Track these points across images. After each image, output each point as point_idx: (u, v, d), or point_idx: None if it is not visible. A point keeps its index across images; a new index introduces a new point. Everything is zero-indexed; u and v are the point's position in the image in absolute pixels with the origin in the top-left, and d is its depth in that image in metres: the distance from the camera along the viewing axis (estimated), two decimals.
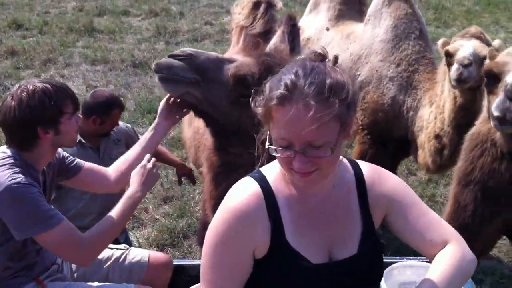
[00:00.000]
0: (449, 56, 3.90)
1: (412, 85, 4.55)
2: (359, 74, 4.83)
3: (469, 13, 11.82)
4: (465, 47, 3.83)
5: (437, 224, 2.02)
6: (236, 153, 2.97)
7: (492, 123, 2.99)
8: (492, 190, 3.21)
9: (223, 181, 3.03)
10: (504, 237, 4.22)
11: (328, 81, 1.68)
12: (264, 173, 1.96)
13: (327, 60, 1.80)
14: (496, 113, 2.89)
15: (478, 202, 3.24)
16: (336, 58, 1.84)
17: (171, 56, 2.94)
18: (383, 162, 4.85)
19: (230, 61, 2.95)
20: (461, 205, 3.31)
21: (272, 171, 1.94)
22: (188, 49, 2.96)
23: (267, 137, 1.79)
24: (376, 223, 2.01)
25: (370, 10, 4.96)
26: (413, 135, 4.54)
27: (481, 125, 3.30)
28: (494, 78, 3.06)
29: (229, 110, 2.91)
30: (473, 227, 3.27)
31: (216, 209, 1.92)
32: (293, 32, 2.90)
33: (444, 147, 4.14)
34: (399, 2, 4.74)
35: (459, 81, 3.77)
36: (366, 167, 2.04)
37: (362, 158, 4.86)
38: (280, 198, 1.90)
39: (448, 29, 10.63)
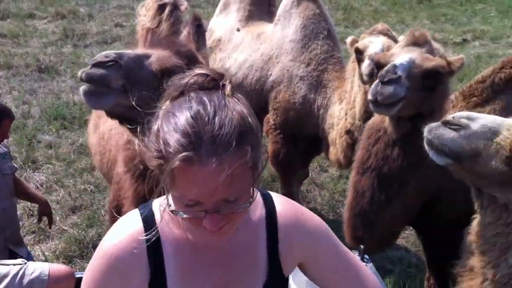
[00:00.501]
0: (359, 53, 4.00)
1: (322, 84, 4.65)
2: (271, 74, 4.88)
3: (376, 12, 12.28)
4: (374, 43, 3.95)
5: (360, 283, 1.82)
6: None
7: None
8: (386, 176, 3.33)
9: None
10: (411, 227, 4.41)
11: (236, 123, 1.43)
12: (154, 208, 1.68)
13: (222, 83, 1.53)
14: (369, 97, 3.08)
15: (375, 189, 3.35)
16: (226, 79, 1.58)
17: (96, 65, 2.61)
18: (296, 160, 4.99)
19: (147, 56, 2.74)
20: (359, 193, 3.41)
21: (161, 203, 1.64)
22: (111, 52, 2.66)
23: (166, 195, 1.52)
24: (286, 272, 1.76)
25: (280, 11, 5.03)
26: (324, 133, 4.64)
27: (377, 115, 3.45)
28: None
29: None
30: (371, 213, 3.39)
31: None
32: (198, 32, 2.87)
33: (355, 141, 4.25)
34: (308, 3, 4.84)
35: (371, 76, 3.85)
36: (282, 205, 1.76)
37: (275, 157, 4.92)
38: (167, 242, 1.65)
39: (357, 29, 10.98)
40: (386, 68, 3.05)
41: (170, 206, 1.52)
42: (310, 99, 4.67)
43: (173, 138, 1.42)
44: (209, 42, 5.56)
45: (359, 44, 4.02)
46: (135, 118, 2.70)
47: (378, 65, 3.28)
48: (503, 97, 3.56)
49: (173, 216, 1.59)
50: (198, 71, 1.55)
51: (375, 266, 4.75)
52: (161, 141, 1.45)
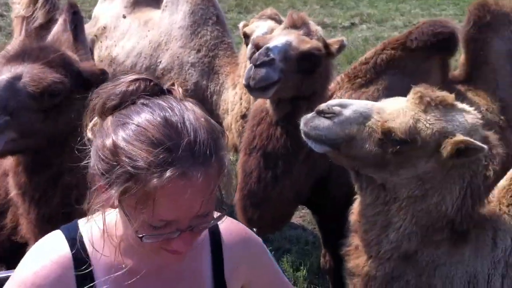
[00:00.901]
0: (247, 37, 4.03)
1: (213, 70, 4.63)
2: (160, 62, 4.79)
3: None
4: (260, 28, 3.98)
5: None
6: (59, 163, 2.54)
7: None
8: (271, 155, 3.39)
9: (52, 198, 2.59)
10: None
11: (206, 128, 1.30)
12: (81, 229, 1.49)
13: (168, 88, 1.39)
14: (244, 82, 3.10)
15: (261, 168, 3.39)
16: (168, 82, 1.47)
17: None
18: None
19: (18, 77, 2.41)
20: (247, 173, 3.45)
21: (92, 225, 1.45)
22: None
23: (132, 221, 1.33)
24: None
25: None
26: (219, 118, 4.62)
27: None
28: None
29: (44, 129, 2.50)
30: (259, 193, 3.43)
31: (39, 234, 1.58)
32: (75, 20, 2.71)
33: None
34: None
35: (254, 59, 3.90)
36: (225, 224, 1.61)
37: None
38: (100, 268, 1.44)
39: (249, 14, 11.03)
40: (259, 51, 3.06)
41: (137, 231, 1.31)
42: (202, 85, 4.63)
43: (144, 152, 1.23)
44: (93, 29, 5.36)
45: (247, 29, 4.05)
46: (25, 148, 2.49)
47: (257, 48, 3.27)
48: (385, 77, 3.73)
49: (106, 238, 1.42)
50: (133, 76, 1.37)
51: (273, 246, 4.88)
52: (123, 157, 1.25)
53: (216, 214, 1.43)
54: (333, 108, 2.36)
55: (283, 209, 3.66)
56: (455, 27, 3.71)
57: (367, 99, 3.69)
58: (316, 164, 3.48)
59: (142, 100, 1.32)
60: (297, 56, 3.12)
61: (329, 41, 3.36)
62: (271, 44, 3.09)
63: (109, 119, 1.32)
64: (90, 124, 1.40)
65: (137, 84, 1.34)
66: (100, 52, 5.23)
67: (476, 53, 3.87)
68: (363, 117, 2.33)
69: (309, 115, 2.43)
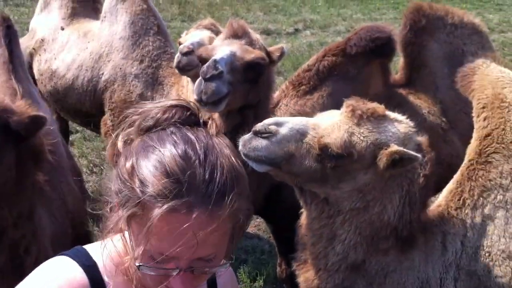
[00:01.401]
0: None
1: (157, 81, 4.56)
2: (103, 73, 4.68)
3: (211, 6, 12.42)
4: (191, 37, 3.95)
5: None
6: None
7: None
8: None
9: None
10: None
11: (227, 169, 1.27)
12: (94, 257, 1.44)
13: (204, 120, 1.36)
14: (195, 96, 3.01)
15: None
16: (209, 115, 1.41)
17: None
18: None
19: None
20: None
21: (104, 254, 1.41)
22: None
23: (132, 249, 1.30)
24: None
25: (105, 7, 4.84)
26: None
27: None
28: (205, 63, 3.17)
29: None
30: None
31: None
32: (9, 34, 2.62)
33: None
34: None
35: (179, 69, 3.85)
36: None
37: None
38: None
39: (193, 23, 10.90)
40: (206, 64, 2.99)
41: (137, 259, 1.28)
42: (147, 97, 4.55)
43: (156, 179, 1.22)
44: (31, 42, 5.20)
45: (181, 39, 4.03)
46: None
47: (201, 60, 3.20)
48: (328, 84, 3.78)
49: (116, 262, 1.38)
50: (172, 102, 1.37)
51: None
52: (136, 180, 1.24)
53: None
54: (270, 127, 2.36)
55: None
56: (392, 32, 3.79)
57: (312, 105, 3.73)
58: (267, 173, 3.48)
59: (172, 128, 1.32)
60: (243, 67, 3.08)
61: (270, 49, 3.35)
62: (217, 56, 3.02)
63: (137, 141, 1.33)
64: (123, 136, 1.40)
65: (173, 111, 1.34)
66: (39, 65, 5.08)
67: (414, 57, 3.97)
68: (300, 134, 2.35)
69: (247, 136, 2.42)
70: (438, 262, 2.54)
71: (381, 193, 2.39)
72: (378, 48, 3.69)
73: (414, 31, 3.91)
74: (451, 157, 3.97)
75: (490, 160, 2.66)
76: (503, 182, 2.60)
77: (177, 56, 3.83)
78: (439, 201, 2.70)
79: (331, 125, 2.35)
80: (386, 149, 2.29)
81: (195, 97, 3.00)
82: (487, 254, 2.54)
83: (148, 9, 4.70)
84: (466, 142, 3.97)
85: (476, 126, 2.83)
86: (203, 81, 2.97)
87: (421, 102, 3.95)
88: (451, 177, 4.12)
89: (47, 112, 3.18)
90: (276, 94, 3.78)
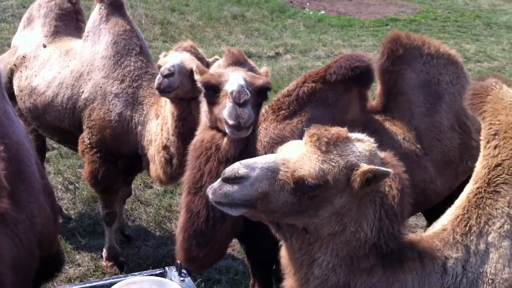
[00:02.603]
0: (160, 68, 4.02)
1: (137, 101, 4.58)
2: (83, 92, 4.69)
3: (193, 27, 12.48)
4: (171, 59, 3.99)
5: None
6: None
7: (227, 131, 3.10)
8: None
9: None
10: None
11: None
12: None
13: None
14: (231, 122, 3.01)
15: (209, 207, 3.32)
16: None
17: None
18: (116, 179, 4.84)
19: None
20: (194, 213, 3.38)
21: None
22: None
23: None
24: None
25: (88, 26, 4.86)
26: (143, 150, 4.57)
27: (202, 133, 3.43)
28: (213, 89, 3.19)
29: None
30: (207, 231, 3.38)
31: None
32: None
33: (172, 156, 4.26)
34: (117, 19, 4.74)
35: (160, 91, 3.90)
36: None
37: (94, 177, 4.73)
38: None
39: (175, 43, 10.94)
40: (236, 89, 3.00)
41: None
42: (126, 116, 4.57)
43: None
44: (13, 59, 5.19)
45: (161, 61, 4.08)
46: None
47: (208, 86, 3.23)
48: (308, 109, 3.84)
49: None
50: None
51: (203, 277, 4.83)
52: None
53: None
54: (240, 172, 2.34)
55: (225, 244, 3.65)
56: (371, 61, 3.88)
57: (291, 130, 3.78)
58: None
59: None
60: (255, 92, 3.14)
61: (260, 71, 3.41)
62: (239, 82, 3.05)
63: None
64: None
65: None
66: (20, 82, 5.06)
67: (391, 84, 4.07)
68: (271, 172, 2.35)
69: (216, 184, 2.39)
70: (437, 285, 2.56)
71: (357, 212, 2.44)
72: (357, 76, 3.77)
73: (392, 59, 4.02)
74: (425, 183, 4.05)
75: (498, 190, 2.66)
76: (511, 212, 2.61)
77: (158, 78, 3.87)
78: (444, 225, 2.71)
79: (301, 158, 2.38)
80: (357, 169, 2.34)
81: (232, 122, 2.99)
82: (490, 281, 2.57)
83: (131, 29, 4.74)
84: (439, 168, 4.09)
85: (485, 152, 2.79)
86: (237, 107, 2.97)
87: (397, 129, 4.03)
88: (426, 201, 4.21)
89: (22, 130, 3.17)
90: None
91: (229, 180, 2.35)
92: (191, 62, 3.95)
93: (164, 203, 6.08)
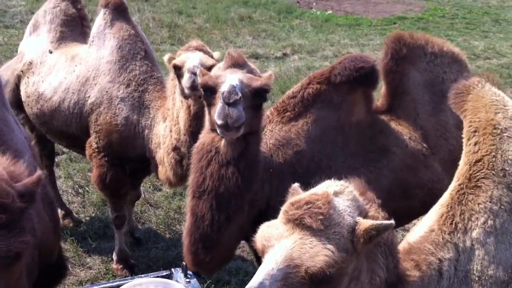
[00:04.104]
0: (178, 69, 4.04)
1: (144, 105, 4.60)
2: (89, 97, 4.73)
3: (200, 30, 12.52)
4: (191, 58, 4.01)
5: None
6: None
7: (218, 131, 3.13)
8: (223, 196, 3.34)
9: None
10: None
11: None
12: None
13: None
14: (219, 122, 3.03)
15: (214, 210, 3.34)
16: None
17: None
18: (124, 183, 4.87)
19: None
20: (198, 217, 3.38)
21: None
22: None
23: None
24: None
25: (93, 32, 4.90)
26: (151, 153, 4.60)
27: (204, 137, 3.44)
28: (210, 90, 3.24)
29: None
30: (212, 235, 3.38)
31: None
32: None
33: (183, 157, 4.28)
34: (122, 24, 4.77)
35: (193, 88, 3.90)
36: None
37: (102, 181, 4.76)
38: None
39: (183, 46, 11.05)
40: (227, 89, 3.04)
41: None
42: (133, 120, 4.60)
43: None
44: (20, 65, 5.24)
45: (177, 61, 4.07)
46: None
47: (205, 88, 3.27)
48: (313, 111, 3.83)
49: None
50: None
51: (212, 279, 4.84)
52: None
53: None
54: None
55: (232, 247, 3.65)
56: (376, 62, 3.87)
57: (297, 132, 3.77)
58: (256, 197, 3.50)
59: None
60: (251, 93, 3.17)
61: (264, 76, 3.41)
62: (233, 82, 3.09)
63: None
64: None
65: None
66: (27, 88, 5.11)
67: (395, 84, 4.05)
68: (282, 282, 2.11)
69: None
70: None
71: (368, 264, 2.33)
72: (361, 77, 3.74)
73: (396, 59, 4.00)
74: (432, 182, 4.03)
75: (479, 185, 2.68)
76: (493, 207, 2.62)
77: (189, 76, 3.87)
78: (431, 226, 2.68)
79: (299, 247, 2.12)
80: (358, 228, 2.19)
81: (220, 122, 3.03)
82: (477, 279, 2.57)
83: (135, 34, 4.77)
84: (446, 167, 4.07)
85: (466, 149, 2.83)
86: (226, 106, 3.01)
87: (403, 129, 4.01)
88: (433, 202, 4.18)
89: (22, 139, 3.17)
90: None
91: None
92: (208, 60, 4.02)
93: (174, 205, 6.10)
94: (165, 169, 4.49)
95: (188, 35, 11.95)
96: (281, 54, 11.36)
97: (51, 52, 5.08)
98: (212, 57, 4.20)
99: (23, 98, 5.16)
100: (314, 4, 15.82)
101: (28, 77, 5.12)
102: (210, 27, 12.80)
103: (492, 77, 3.01)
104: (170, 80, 4.38)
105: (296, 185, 2.48)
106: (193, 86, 3.89)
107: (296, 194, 2.37)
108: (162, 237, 5.71)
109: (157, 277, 3.18)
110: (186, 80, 3.92)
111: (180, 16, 13.32)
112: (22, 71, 5.18)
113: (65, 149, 6.87)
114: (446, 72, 4.04)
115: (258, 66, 10.38)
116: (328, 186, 2.32)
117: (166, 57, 4.31)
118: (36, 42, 5.25)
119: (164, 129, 4.41)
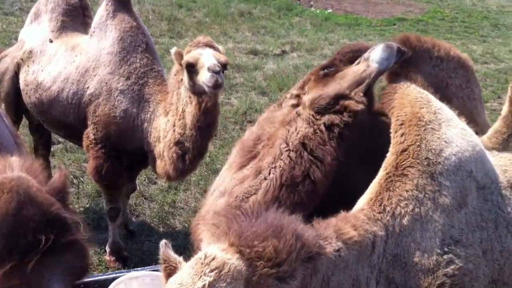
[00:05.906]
0: (191, 66, 4.01)
1: (143, 98, 4.57)
2: (88, 87, 4.68)
3: (200, 24, 12.48)
4: (206, 56, 3.99)
5: None
6: None
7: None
8: None
9: None
10: None
11: None
12: None
13: None
14: (210, 83, 3.87)
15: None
16: None
17: None
18: (120, 175, 4.84)
19: None
20: None
21: None
22: None
23: None
24: None
25: (95, 22, 4.84)
26: (149, 146, 4.57)
27: None
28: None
29: None
30: None
31: None
32: None
33: (186, 152, 4.26)
34: (124, 15, 4.73)
35: (216, 87, 3.92)
36: None
37: (98, 173, 4.73)
38: None
39: (182, 40, 11.05)
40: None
41: None
42: (132, 113, 4.56)
43: None
44: (19, 53, 5.19)
45: (189, 58, 4.01)
46: None
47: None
48: None
49: None
50: None
51: None
52: None
53: None
54: None
55: None
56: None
57: None
58: None
59: None
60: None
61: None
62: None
63: None
64: None
65: None
66: (26, 76, 5.06)
67: None
68: None
69: None
70: (366, 262, 2.61)
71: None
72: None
73: (400, 62, 3.97)
74: None
75: (406, 173, 2.81)
76: (419, 195, 2.74)
77: (212, 75, 3.86)
78: (360, 206, 2.79)
79: None
80: None
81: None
82: (403, 265, 2.66)
83: (137, 26, 4.73)
84: None
85: (393, 141, 2.99)
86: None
87: None
88: None
89: (7, 134, 3.13)
90: None
91: None
92: (220, 57, 4.04)
93: (168, 199, 6.08)
94: (164, 163, 4.46)
95: (188, 29, 11.92)
96: (280, 51, 11.35)
97: (51, 41, 5.03)
98: (220, 52, 4.18)
99: (22, 86, 5.12)
100: (314, 2, 15.81)
101: (27, 66, 5.08)
102: (209, 21, 12.76)
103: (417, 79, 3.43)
104: (173, 75, 4.34)
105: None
106: (216, 85, 3.90)
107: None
108: (156, 230, 5.69)
109: (154, 270, 3.16)
110: (208, 79, 3.89)
111: (180, 10, 13.28)
112: (22, 59, 5.14)
113: (61, 139, 6.83)
114: (451, 77, 3.99)
115: (257, 62, 10.42)
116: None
117: (173, 51, 4.25)
118: (37, 30, 5.20)
119: (166, 123, 4.37)
